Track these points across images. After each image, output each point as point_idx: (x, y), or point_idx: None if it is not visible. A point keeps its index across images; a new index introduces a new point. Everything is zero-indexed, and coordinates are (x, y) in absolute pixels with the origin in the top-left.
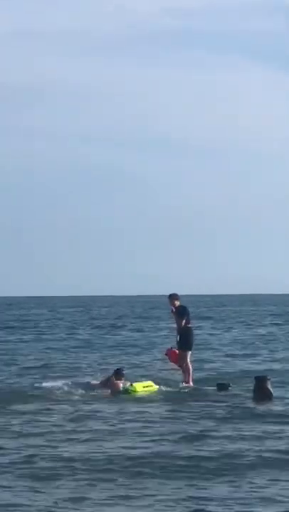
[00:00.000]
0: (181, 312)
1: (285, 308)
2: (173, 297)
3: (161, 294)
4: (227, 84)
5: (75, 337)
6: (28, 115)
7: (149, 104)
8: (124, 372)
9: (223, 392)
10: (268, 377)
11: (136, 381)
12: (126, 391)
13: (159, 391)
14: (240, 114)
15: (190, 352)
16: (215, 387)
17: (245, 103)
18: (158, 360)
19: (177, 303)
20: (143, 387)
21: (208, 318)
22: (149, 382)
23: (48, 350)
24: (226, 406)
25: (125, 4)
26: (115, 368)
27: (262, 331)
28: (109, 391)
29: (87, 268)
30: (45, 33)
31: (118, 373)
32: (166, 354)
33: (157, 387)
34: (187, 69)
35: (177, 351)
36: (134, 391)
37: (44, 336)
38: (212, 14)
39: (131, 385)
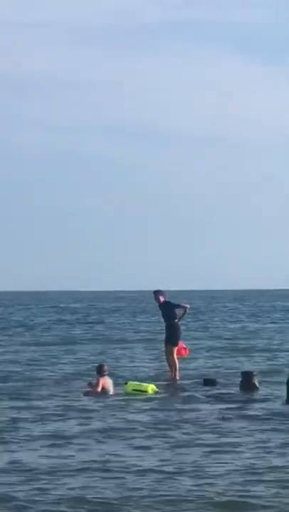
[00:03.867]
0: (172, 308)
1: None
2: (158, 293)
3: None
4: (217, 76)
5: None
6: (17, 105)
7: (139, 95)
8: (105, 367)
9: (209, 387)
10: (254, 373)
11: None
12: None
13: (152, 396)
14: (231, 104)
15: (176, 347)
16: (202, 382)
17: (235, 94)
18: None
19: (162, 299)
20: (132, 390)
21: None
22: (148, 387)
23: None
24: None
25: None
26: (97, 365)
27: None
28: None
29: (74, 261)
30: (32, 23)
31: (99, 370)
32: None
33: (152, 392)
34: (176, 60)
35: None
36: (124, 390)
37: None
38: (200, 5)
39: (126, 383)
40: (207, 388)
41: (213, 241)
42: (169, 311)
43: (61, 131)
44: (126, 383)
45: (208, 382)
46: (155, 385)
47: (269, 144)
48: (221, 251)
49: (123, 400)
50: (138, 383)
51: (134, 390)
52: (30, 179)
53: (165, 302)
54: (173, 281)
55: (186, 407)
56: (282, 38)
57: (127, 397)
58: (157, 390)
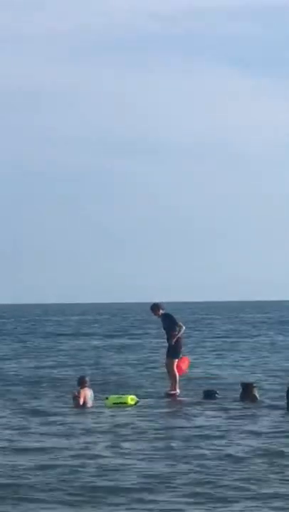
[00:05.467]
0: (172, 321)
1: None
2: (155, 307)
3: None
4: (212, 88)
5: None
6: (19, 118)
7: (138, 107)
8: (86, 379)
9: (209, 399)
10: (254, 384)
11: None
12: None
13: (136, 407)
14: (226, 117)
15: (177, 360)
16: (202, 394)
17: (230, 106)
18: None
19: (161, 311)
20: (113, 403)
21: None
22: (128, 397)
23: None
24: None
25: (110, 9)
26: (78, 377)
27: None
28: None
29: (80, 275)
30: (32, 36)
31: (81, 382)
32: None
33: (133, 402)
34: (173, 74)
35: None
36: (105, 404)
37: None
38: (195, 19)
39: (106, 398)
40: (207, 400)
41: (215, 249)
42: (169, 323)
43: (62, 143)
44: (106, 398)
45: (209, 393)
46: (136, 396)
47: (265, 154)
48: (221, 258)
49: (114, 416)
50: (117, 396)
51: (114, 403)
52: (29, 190)
53: (165, 314)
54: (174, 292)
55: (185, 420)
56: (276, 50)
57: (115, 411)
58: (137, 399)
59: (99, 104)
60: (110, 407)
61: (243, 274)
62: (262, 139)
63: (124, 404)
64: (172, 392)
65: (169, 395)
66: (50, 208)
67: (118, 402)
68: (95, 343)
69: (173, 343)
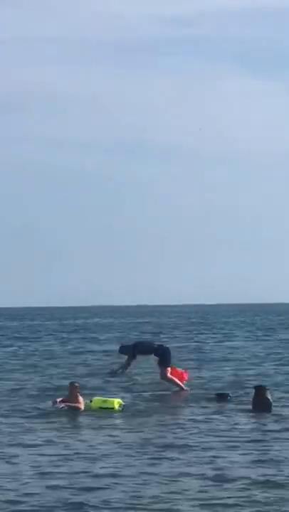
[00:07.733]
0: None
1: None
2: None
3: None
4: (219, 92)
5: None
6: (19, 118)
7: (140, 110)
8: (76, 384)
9: (222, 403)
10: (267, 387)
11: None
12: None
13: (121, 411)
14: (226, 117)
15: (168, 368)
16: (214, 397)
17: (230, 106)
18: None
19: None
20: (99, 407)
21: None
22: (114, 401)
23: None
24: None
25: (110, 9)
26: (69, 382)
27: None
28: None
29: (85, 277)
30: (32, 36)
31: (74, 387)
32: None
33: (117, 406)
34: (173, 74)
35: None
36: (90, 407)
37: None
38: (203, 21)
39: (90, 401)
40: (219, 403)
41: (215, 249)
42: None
43: (62, 143)
44: (90, 401)
45: (221, 396)
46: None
47: (265, 154)
48: (222, 259)
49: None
50: (103, 399)
51: (100, 407)
52: (29, 190)
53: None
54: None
55: (200, 422)
56: (278, 51)
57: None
58: (124, 403)
59: (99, 104)
60: (96, 411)
61: (243, 276)
62: (262, 139)
63: (111, 409)
64: (182, 393)
65: (179, 397)
66: (50, 208)
67: (104, 406)
68: None
69: (160, 354)
